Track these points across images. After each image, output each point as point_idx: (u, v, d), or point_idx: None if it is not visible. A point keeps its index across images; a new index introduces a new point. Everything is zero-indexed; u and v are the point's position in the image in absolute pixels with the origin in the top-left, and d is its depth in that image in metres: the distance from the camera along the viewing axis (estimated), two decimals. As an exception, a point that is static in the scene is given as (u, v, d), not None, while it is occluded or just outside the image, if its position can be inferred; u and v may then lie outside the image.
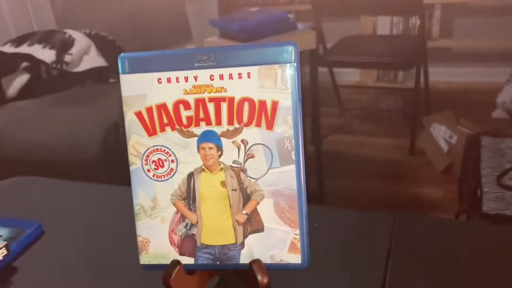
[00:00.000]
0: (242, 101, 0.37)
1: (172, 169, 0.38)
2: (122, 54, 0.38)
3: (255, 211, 0.38)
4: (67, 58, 1.69)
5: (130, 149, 0.39)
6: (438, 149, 1.92)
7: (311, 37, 1.47)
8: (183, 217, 0.39)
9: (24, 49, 1.70)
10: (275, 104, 0.37)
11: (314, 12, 2.07)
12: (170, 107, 0.38)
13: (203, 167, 0.38)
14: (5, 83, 1.59)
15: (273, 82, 0.37)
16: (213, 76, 0.37)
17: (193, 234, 0.39)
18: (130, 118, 0.39)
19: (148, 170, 0.39)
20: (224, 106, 0.37)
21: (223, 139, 0.38)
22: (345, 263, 0.48)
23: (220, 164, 0.38)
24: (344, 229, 0.53)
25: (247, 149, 0.38)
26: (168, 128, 0.38)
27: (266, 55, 0.37)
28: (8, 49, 1.70)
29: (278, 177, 0.37)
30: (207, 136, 0.38)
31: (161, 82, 0.38)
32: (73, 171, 1.29)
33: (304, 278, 0.44)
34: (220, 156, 0.38)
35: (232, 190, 0.38)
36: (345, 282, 0.45)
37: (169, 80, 0.38)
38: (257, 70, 0.37)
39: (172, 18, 1.87)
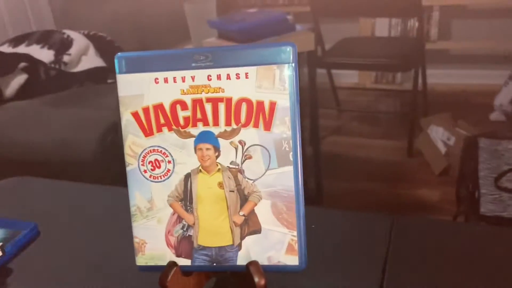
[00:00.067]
0: (240, 101, 0.37)
1: (169, 170, 0.38)
2: (119, 53, 0.38)
3: (252, 213, 0.38)
4: (65, 58, 1.68)
5: (127, 150, 0.39)
6: (436, 151, 1.92)
7: (309, 38, 1.47)
8: (180, 219, 0.39)
9: (22, 49, 1.69)
10: (273, 105, 0.37)
11: (312, 13, 2.07)
12: (167, 107, 0.38)
13: (200, 168, 0.38)
14: (3, 83, 1.59)
15: (271, 83, 0.36)
16: (210, 76, 0.37)
17: (190, 236, 0.39)
18: (126, 118, 0.38)
19: (145, 171, 0.39)
20: (221, 107, 0.37)
21: (220, 140, 0.37)
22: (343, 265, 0.47)
23: (217, 165, 0.38)
24: (342, 231, 0.53)
25: (244, 150, 0.37)
26: (165, 129, 0.38)
27: (264, 56, 0.36)
28: (6, 49, 1.70)
29: (276, 178, 0.37)
30: (204, 137, 0.38)
31: (158, 82, 0.37)
32: (71, 172, 1.29)
33: (302, 280, 0.43)
34: (217, 157, 0.38)
35: (230, 191, 0.38)
36: (342, 284, 0.45)
37: (166, 80, 0.37)
38: (255, 70, 0.36)
39: (171, 19, 1.87)
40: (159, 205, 0.39)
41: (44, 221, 0.58)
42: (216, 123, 0.37)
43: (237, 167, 0.38)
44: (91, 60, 1.74)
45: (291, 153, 0.37)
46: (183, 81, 0.37)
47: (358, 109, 2.57)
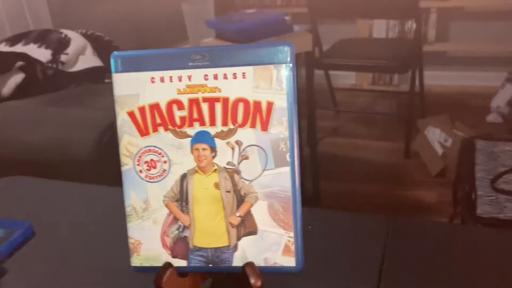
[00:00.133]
0: (237, 101, 0.36)
1: (164, 170, 0.38)
2: (115, 52, 0.38)
3: (249, 213, 0.37)
4: (62, 57, 1.68)
5: (122, 150, 0.38)
6: (433, 152, 1.92)
7: (307, 39, 1.47)
8: (175, 219, 0.38)
9: (19, 48, 1.69)
10: (270, 105, 0.36)
11: (310, 14, 2.07)
12: (163, 107, 0.37)
13: (196, 168, 0.38)
14: (-1, 82, 1.58)
15: (268, 83, 0.36)
16: (207, 76, 0.37)
17: (185, 236, 0.38)
18: (122, 118, 0.38)
19: (140, 171, 0.38)
20: (218, 107, 0.37)
21: (217, 140, 0.37)
22: (340, 267, 0.47)
23: (213, 165, 0.37)
24: (338, 232, 0.53)
25: (241, 150, 0.37)
26: (161, 129, 0.38)
27: (262, 56, 0.36)
28: (3, 48, 1.69)
29: (273, 179, 0.37)
30: (200, 137, 0.37)
31: (154, 82, 0.37)
32: (67, 172, 1.28)
33: (298, 282, 0.43)
34: (213, 157, 0.37)
35: (226, 192, 0.38)
36: (339, 285, 0.45)
37: (162, 80, 0.37)
38: (252, 70, 0.36)
39: (169, 19, 1.87)
40: (154, 206, 0.38)
41: (39, 221, 0.57)
42: (212, 123, 0.37)
43: (233, 167, 0.37)
44: (89, 60, 1.73)
45: (288, 153, 0.37)
46: (180, 80, 0.37)
47: (355, 110, 2.57)
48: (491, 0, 2.43)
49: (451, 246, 0.49)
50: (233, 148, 0.37)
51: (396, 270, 0.46)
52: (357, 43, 2.43)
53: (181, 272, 0.39)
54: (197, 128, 0.37)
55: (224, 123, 0.37)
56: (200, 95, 0.37)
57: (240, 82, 0.36)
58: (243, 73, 0.36)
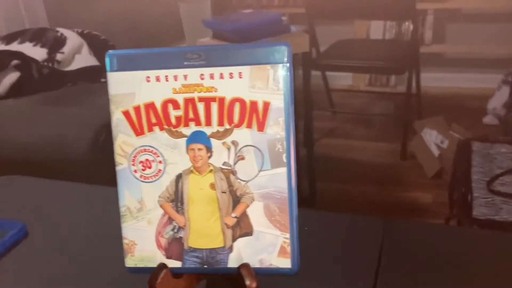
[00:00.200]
0: (233, 101, 0.36)
1: (160, 170, 0.38)
2: (110, 51, 0.37)
3: (244, 214, 0.37)
4: (58, 56, 1.67)
5: (117, 149, 0.38)
6: (429, 154, 1.93)
7: (304, 40, 1.47)
8: (170, 220, 0.38)
9: (14, 46, 1.68)
10: (266, 105, 0.36)
11: (308, 15, 2.07)
12: (158, 106, 0.37)
13: (192, 168, 0.37)
14: (-6, 81, 1.57)
15: (265, 83, 0.36)
16: (203, 75, 0.36)
17: (180, 237, 0.38)
18: (117, 117, 0.38)
19: (135, 171, 0.38)
20: (214, 106, 0.36)
21: (213, 140, 0.37)
22: (335, 268, 0.47)
23: (209, 165, 0.37)
24: (334, 233, 0.52)
25: (237, 150, 0.37)
26: (156, 128, 0.37)
27: (258, 55, 0.36)
28: (-2, 46, 1.68)
29: (269, 179, 0.37)
30: (196, 137, 0.37)
31: (149, 81, 0.37)
32: (63, 171, 1.28)
33: (294, 283, 0.43)
34: (209, 157, 0.37)
35: (222, 192, 0.37)
36: (335, 287, 0.44)
37: (158, 79, 0.37)
38: (248, 70, 0.36)
39: (165, 18, 1.86)
40: (149, 206, 0.38)
41: (33, 221, 0.57)
42: (208, 123, 0.37)
43: (229, 168, 0.37)
44: (85, 59, 1.73)
45: (285, 154, 0.36)
46: (175, 80, 0.36)
47: (352, 111, 2.57)
48: (488, 2, 2.44)
49: (447, 247, 0.49)
50: (229, 149, 0.37)
51: (392, 272, 0.46)
52: (354, 44, 2.43)
53: (175, 273, 0.39)
54: (192, 128, 0.37)
55: (220, 123, 0.36)
56: (196, 95, 0.36)
57: (236, 82, 0.36)
58: (240, 73, 0.36)
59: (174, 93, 0.37)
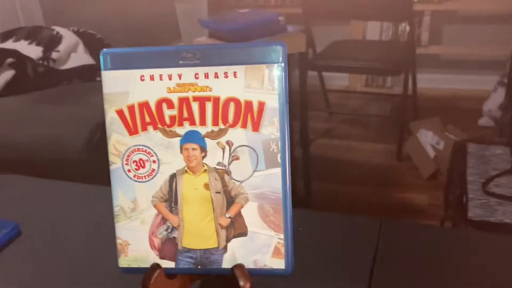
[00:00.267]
0: (228, 101, 0.36)
1: (153, 170, 0.37)
2: (105, 49, 0.37)
3: (238, 215, 0.37)
4: (54, 55, 1.66)
5: (111, 148, 0.38)
6: (425, 155, 1.93)
7: (301, 40, 1.47)
8: (164, 220, 0.38)
9: (9, 44, 1.67)
10: (261, 105, 0.36)
11: (304, 15, 2.07)
12: (152, 105, 0.37)
13: (186, 168, 0.37)
14: (-11, 79, 1.56)
15: (260, 83, 0.36)
16: (198, 74, 0.36)
17: (174, 237, 0.38)
18: (111, 116, 0.37)
19: (129, 171, 0.38)
20: (209, 106, 0.36)
21: (207, 140, 0.37)
22: (330, 269, 0.47)
23: (203, 165, 0.37)
24: (329, 234, 0.52)
25: (232, 150, 0.37)
26: (150, 127, 0.37)
27: (253, 55, 0.36)
28: (-7, 44, 1.67)
29: (263, 180, 0.36)
30: (190, 137, 0.37)
31: (144, 80, 0.36)
32: (58, 170, 1.27)
33: (288, 284, 0.43)
34: (204, 157, 0.37)
35: (216, 192, 0.37)
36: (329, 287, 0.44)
37: (152, 78, 0.36)
38: (243, 69, 0.36)
39: (161, 17, 1.86)
40: (143, 206, 0.38)
41: (26, 220, 0.56)
42: (203, 123, 0.36)
43: (224, 168, 0.37)
44: (80, 58, 1.72)
45: (279, 154, 0.36)
46: (170, 79, 0.36)
47: (348, 112, 2.57)
48: (485, 4, 2.44)
49: (442, 249, 0.49)
50: (223, 149, 0.37)
51: (386, 273, 0.46)
52: (351, 45, 2.43)
53: (169, 274, 0.38)
54: (187, 127, 0.37)
55: (215, 123, 0.36)
56: (190, 94, 0.36)
57: (231, 82, 0.36)
58: (235, 72, 0.36)
59: (168, 92, 0.36)
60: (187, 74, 0.36)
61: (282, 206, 0.36)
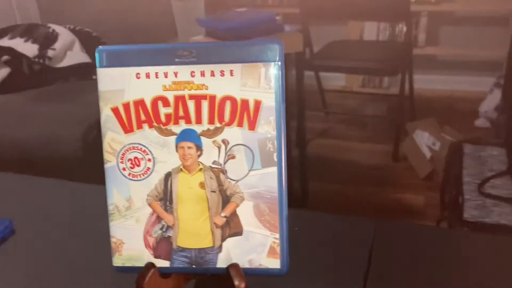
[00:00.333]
0: (224, 99, 0.36)
1: (148, 168, 0.37)
2: (100, 47, 0.37)
3: (234, 214, 0.37)
4: (50, 53, 1.65)
5: (106, 147, 0.37)
6: (421, 155, 1.93)
7: (298, 39, 1.47)
8: (159, 219, 0.37)
9: (5, 42, 1.66)
10: (258, 104, 0.36)
11: (302, 15, 2.07)
12: (148, 103, 0.36)
13: (181, 167, 0.37)
14: (-16, 76, 1.56)
15: (256, 81, 0.35)
16: (194, 72, 0.36)
17: (169, 236, 0.37)
18: (106, 114, 0.37)
19: (124, 169, 0.37)
20: (205, 104, 0.36)
21: (203, 139, 0.36)
22: (325, 269, 0.47)
23: (199, 164, 0.37)
24: (325, 234, 0.52)
25: (227, 149, 0.36)
26: (145, 126, 0.37)
27: (250, 53, 0.35)
28: (-11, 41, 1.66)
29: (259, 179, 0.36)
30: (186, 135, 0.36)
31: (139, 77, 0.36)
32: (53, 168, 1.27)
33: (283, 284, 0.42)
34: (199, 156, 0.37)
35: (211, 191, 0.37)
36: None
37: (148, 76, 0.36)
38: (240, 68, 0.35)
39: (158, 16, 1.85)
40: (137, 204, 0.37)
41: (21, 218, 0.56)
42: (199, 121, 0.36)
43: (219, 167, 0.37)
44: (76, 56, 1.71)
45: (275, 153, 0.36)
46: (166, 76, 0.36)
47: (344, 112, 2.57)
48: (482, 5, 2.45)
49: (437, 249, 0.49)
50: (219, 147, 0.36)
51: (382, 273, 0.46)
52: (348, 45, 2.43)
53: (163, 273, 0.38)
54: (182, 126, 0.36)
55: (211, 121, 0.36)
56: (186, 92, 0.36)
57: (227, 80, 0.35)
58: (231, 71, 0.35)
59: (164, 90, 0.36)
60: (183, 72, 0.36)
61: (278, 205, 0.36)
